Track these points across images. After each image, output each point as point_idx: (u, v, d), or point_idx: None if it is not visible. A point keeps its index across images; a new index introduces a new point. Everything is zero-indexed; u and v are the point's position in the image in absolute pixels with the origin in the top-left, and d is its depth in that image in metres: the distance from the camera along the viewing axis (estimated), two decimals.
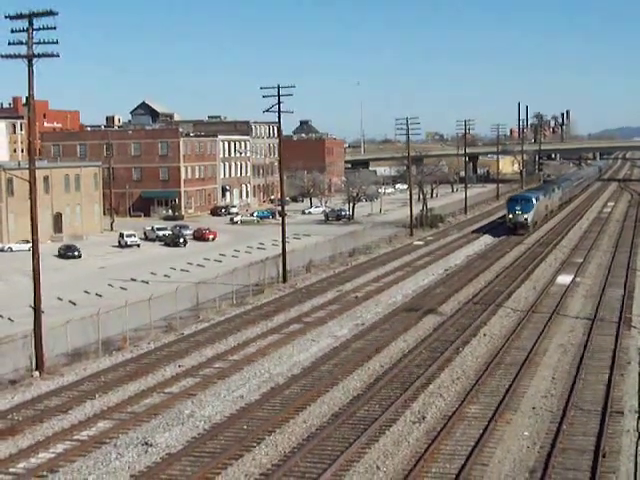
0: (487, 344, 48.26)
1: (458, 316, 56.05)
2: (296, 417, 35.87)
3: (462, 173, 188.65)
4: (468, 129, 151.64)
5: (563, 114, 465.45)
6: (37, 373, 43.63)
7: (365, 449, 31.92)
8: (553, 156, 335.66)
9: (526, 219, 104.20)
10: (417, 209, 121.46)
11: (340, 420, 35.25)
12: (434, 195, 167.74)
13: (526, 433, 33.38)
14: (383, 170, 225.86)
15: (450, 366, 43.45)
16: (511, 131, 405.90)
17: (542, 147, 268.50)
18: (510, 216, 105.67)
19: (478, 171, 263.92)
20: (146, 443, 32.83)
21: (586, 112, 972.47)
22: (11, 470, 30.55)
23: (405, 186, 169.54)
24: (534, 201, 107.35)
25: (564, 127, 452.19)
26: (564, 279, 69.51)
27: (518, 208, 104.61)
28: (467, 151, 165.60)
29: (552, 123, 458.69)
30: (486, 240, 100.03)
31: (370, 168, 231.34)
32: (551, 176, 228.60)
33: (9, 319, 60.16)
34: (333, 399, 38.38)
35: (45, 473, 30.14)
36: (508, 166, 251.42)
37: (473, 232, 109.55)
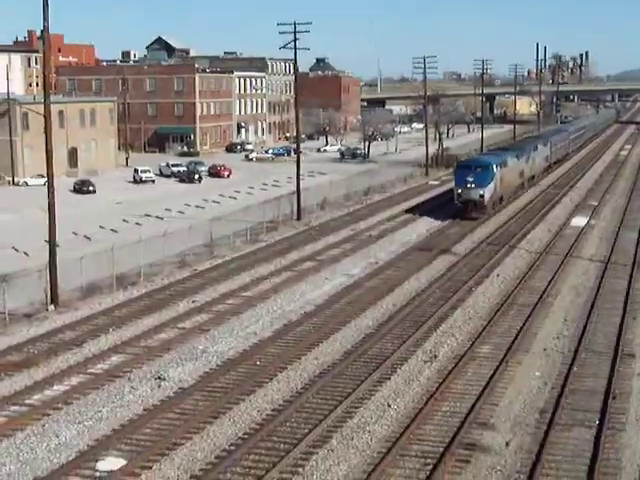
0: (500, 285, 48.32)
1: (472, 256, 56.10)
2: (308, 354, 36.09)
3: (479, 113, 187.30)
4: (486, 69, 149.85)
5: (582, 55, 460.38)
6: (52, 307, 43.91)
7: (376, 387, 32.13)
8: (571, 97, 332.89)
9: (482, 195, 70.47)
10: (433, 149, 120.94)
11: (352, 358, 35.46)
12: (450, 135, 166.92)
13: (537, 374, 33.53)
14: (399, 109, 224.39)
15: (463, 306, 43.58)
16: (529, 72, 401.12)
17: (560, 88, 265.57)
18: (459, 191, 71.35)
19: (495, 111, 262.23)
20: (159, 377, 33.13)
21: (605, 53, 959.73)
22: (26, 402, 30.89)
23: (421, 125, 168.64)
24: (494, 168, 72.35)
25: (583, 68, 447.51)
26: (579, 221, 69.40)
27: (470, 179, 70.77)
28: (484, 91, 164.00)
29: (571, 64, 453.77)
30: None
31: (386, 107, 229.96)
32: (568, 118, 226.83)
33: (24, 253, 60.38)
34: (345, 337, 38.57)
35: (60, 405, 30.47)
36: (525, 107, 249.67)
37: None
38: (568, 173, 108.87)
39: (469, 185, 69.81)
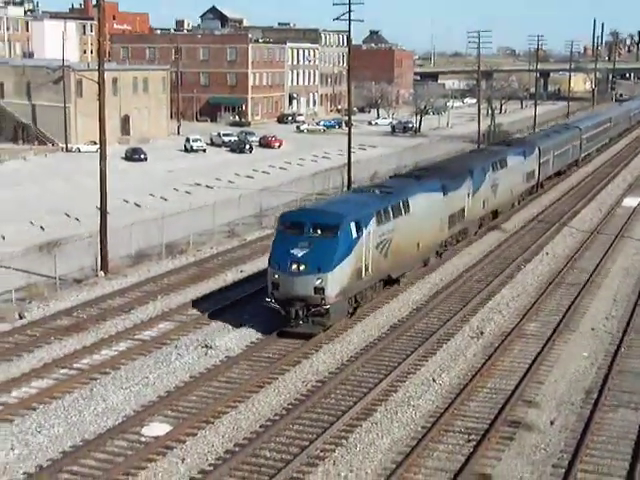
0: (549, 263, 48.01)
1: (522, 233, 55.76)
2: (354, 326, 36.14)
3: (532, 90, 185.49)
4: (540, 45, 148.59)
5: None
6: (102, 273, 44.32)
7: (422, 362, 32.14)
8: (627, 75, 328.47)
9: (319, 290, 33.90)
10: (485, 124, 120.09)
11: (398, 332, 35.47)
12: (503, 111, 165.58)
13: (584, 354, 33.33)
14: (452, 83, 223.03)
15: (511, 283, 43.37)
16: (585, 48, 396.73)
17: (616, 66, 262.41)
18: (275, 277, 34.80)
19: (549, 88, 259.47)
20: (206, 346, 33.35)
21: None
22: (75, 365, 31.28)
23: (474, 100, 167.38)
24: (353, 231, 35.21)
25: None
26: (631, 201, 68.67)
27: (298, 255, 34.30)
28: (538, 67, 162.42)
29: (628, 41, 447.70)
30: None
31: (439, 81, 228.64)
32: (623, 95, 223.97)
33: (76, 219, 61.04)
34: (392, 310, 38.55)
35: (108, 370, 30.81)
36: (580, 84, 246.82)
37: None
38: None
39: (294, 267, 33.96)
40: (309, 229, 34.63)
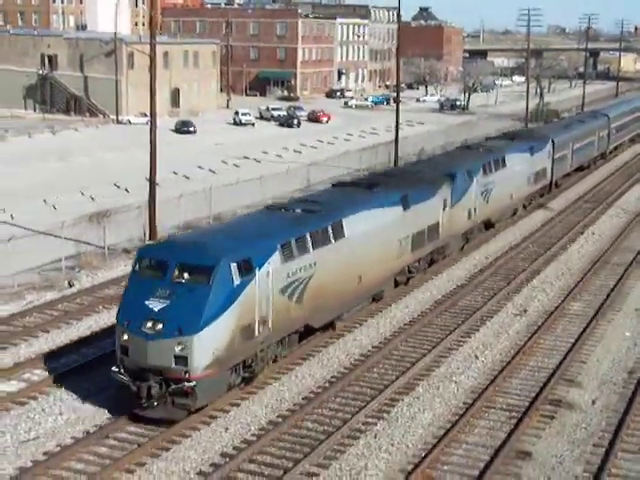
0: (594, 242, 47.90)
1: (567, 213, 55.61)
2: (398, 302, 36.38)
3: (581, 69, 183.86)
4: (591, 23, 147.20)
5: None
6: (150, 243, 44.77)
7: (465, 338, 32.34)
8: None
9: (180, 359, 24.06)
10: (533, 103, 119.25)
11: (442, 308, 35.67)
12: (551, 90, 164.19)
13: (627, 334, 33.34)
14: (501, 61, 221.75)
15: (555, 262, 43.36)
16: (636, 28, 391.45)
17: None
18: (124, 338, 24.80)
19: (598, 68, 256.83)
20: None
21: None
22: None
23: (522, 79, 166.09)
24: (231, 278, 24.93)
25: None
26: None
27: (155, 309, 24.39)
28: (588, 46, 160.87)
29: None
30: None
31: (488, 59, 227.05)
32: None
33: (125, 190, 61.63)
34: (437, 287, 38.75)
35: None
36: (630, 64, 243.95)
37: None
38: None
39: (148, 326, 24.45)
40: (173, 271, 24.84)
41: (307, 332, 30.44)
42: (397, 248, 35.11)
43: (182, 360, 23.88)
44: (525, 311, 35.63)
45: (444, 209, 39.83)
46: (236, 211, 51.19)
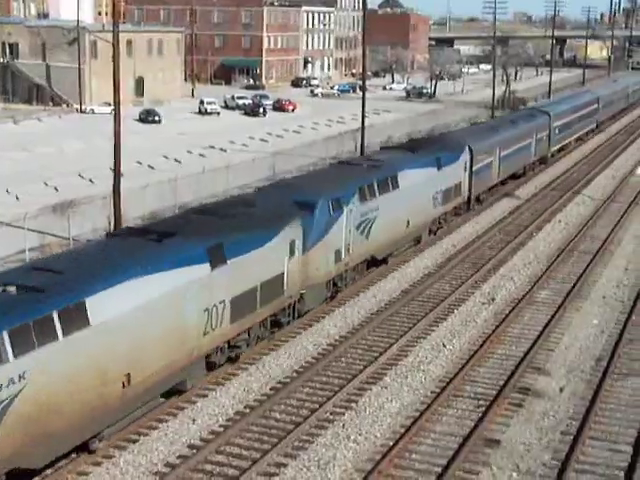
0: (561, 230, 47.99)
1: (534, 201, 55.68)
2: (366, 291, 36.28)
3: (548, 56, 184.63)
4: (557, 11, 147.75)
5: None
6: None
7: (432, 327, 32.27)
8: None
9: None
10: (500, 91, 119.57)
11: (409, 297, 35.59)
12: (518, 78, 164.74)
13: (595, 322, 33.38)
14: (467, 49, 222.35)
15: (523, 250, 43.41)
16: (602, 15, 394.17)
17: (633, 33, 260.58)
18: None
19: (565, 55, 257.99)
20: None
21: None
22: None
23: (489, 67, 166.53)
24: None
25: None
26: None
27: None
28: (555, 34, 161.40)
29: None
30: None
31: (454, 47, 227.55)
32: None
33: (89, 180, 61.13)
34: (404, 276, 38.66)
35: None
36: (596, 51, 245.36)
37: None
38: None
39: None
40: None
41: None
42: (185, 333, 24.15)
43: None
44: (493, 299, 35.60)
45: (290, 257, 29.29)
46: (201, 201, 50.80)
